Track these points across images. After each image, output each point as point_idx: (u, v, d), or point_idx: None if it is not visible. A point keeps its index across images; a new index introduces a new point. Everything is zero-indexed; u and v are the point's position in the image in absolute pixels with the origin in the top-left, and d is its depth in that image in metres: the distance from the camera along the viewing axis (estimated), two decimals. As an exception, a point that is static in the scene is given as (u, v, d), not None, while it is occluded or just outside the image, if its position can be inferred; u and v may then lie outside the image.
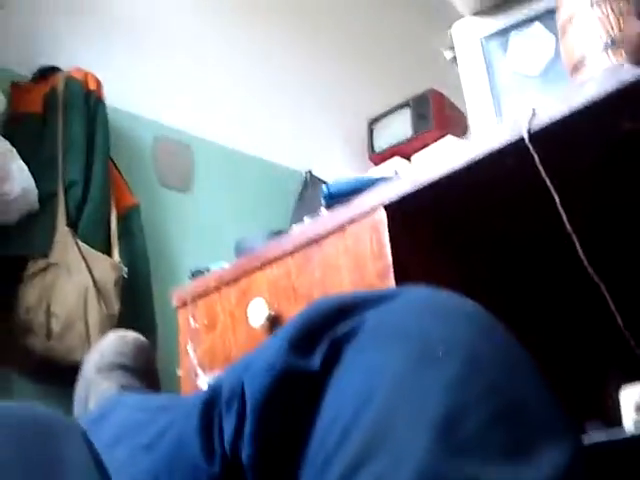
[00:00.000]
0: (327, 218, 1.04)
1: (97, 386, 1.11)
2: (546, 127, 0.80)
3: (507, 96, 1.17)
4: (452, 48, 1.33)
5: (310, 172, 2.43)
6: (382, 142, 2.26)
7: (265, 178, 2.44)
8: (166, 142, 2.28)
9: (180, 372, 1.29)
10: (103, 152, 1.99)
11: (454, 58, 1.30)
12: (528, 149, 0.82)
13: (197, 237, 2.20)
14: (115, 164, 2.06)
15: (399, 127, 2.24)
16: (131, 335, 1.16)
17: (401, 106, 2.28)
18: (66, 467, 0.58)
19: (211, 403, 0.84)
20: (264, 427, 0.68)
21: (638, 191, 0.92)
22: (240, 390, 0.79)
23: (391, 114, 2.29)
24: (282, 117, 2.58)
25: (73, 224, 1.89)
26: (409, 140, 2.17)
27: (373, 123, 2.35)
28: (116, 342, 1.14)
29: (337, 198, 1.02)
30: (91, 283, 1.84)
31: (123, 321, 1.87)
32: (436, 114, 2.14)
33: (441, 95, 2.20)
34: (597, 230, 0.93)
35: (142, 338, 1.15)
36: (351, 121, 2.59)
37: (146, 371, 1.15)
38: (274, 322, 1.08)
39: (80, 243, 1.87)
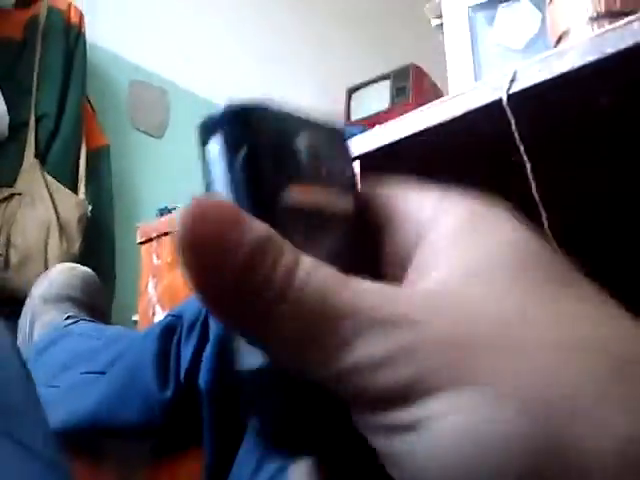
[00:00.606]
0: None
1: (43, 316, 1.10)
2: (525, 91, 0.82)
3: (489, 67, 1.19)
4: (439, 17, 1.34)
5: (285, 133, 2.43)
6: (359, 112, 2.26)
7: (239, 133, 2.43)
8: (143, 85, 2.26)
9: (137, 316, 1.29)
10: (78, 87, 1.97)
11: (440, 25, 1.31)
12: (505, 112, 0.83)
13: (166, 181, 2.19)
14: (89, 101, 2.04)
15: (377, 98, 2.24)
16: (80, 268, 1.16)
17: (381, 78, 2.28)
18: None
19: (170, 330, 0.85)
20: (225, 351, 0.69)
21: (610, 167, 0.95)
22: (204, 316, 0.80)
23: (370, 85, 2.30)
24: (262, 77, 2.57)
25: (41, 156, 1.87)
26: (386, 112, 2.18)
27: (352, 92, 2.35)
28: (65, 274, 1.13)
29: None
30: (54, 218, 1.83)
31: (83, 261, 1.86)
32: (415, 88, 2.15)
33: (422, 70, 2.21)
34: (565, 202, 0.95)
35: (91, 272, 1.15)
36: (332, 88, 2.59)
37: (94, 305, 1.14)
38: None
39: (47, 176, 1.85)
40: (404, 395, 0.18)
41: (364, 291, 0.19)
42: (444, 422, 0.17)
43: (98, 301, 1.16)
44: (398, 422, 0.18)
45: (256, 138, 0.22)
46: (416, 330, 0.18)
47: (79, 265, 1.18)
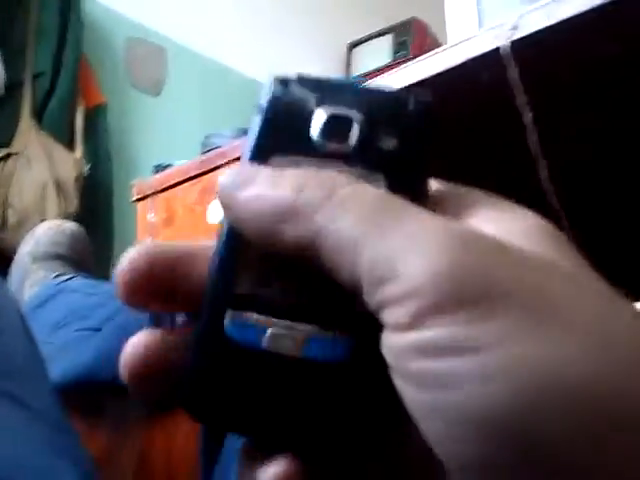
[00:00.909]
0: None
1: (33, 275, 1.10)
2: (528, 38, 0.79)
3: (491, 16, 1.16)
4: (441, -34, 1.31)
5: (285, 90, 2.40)
6: (360, 66, 2.23)
7: (239, 91, 2.40)
8: (140, 43, 2.22)
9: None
10: (75, 45, 1.94)
11: (442, -25, 1.27)
12: (505, 62, 0.81)
13: (163, 139, 2.17)
14: (86, 59, 2.01)
15: (378, 53, 2.21)
16: (67, 224, 1.15)
17: (382, 33, 2.25)
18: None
19: None
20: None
21: (614, 116, 0.92)
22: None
23: (371, 40, 2.26)
24: (262, 33, 2.52)
25: (38, 115, 1.85)
26: (387, 67, 2.14)
27: (353, 47, 2.31)
28: (52, 231, 1.12)
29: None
30: (51, 177, 1.81)
31: (81, 220, 1.85)
32: (416, 42, 2.11)
33: (423, 24, 2.17)
34: (564, 156, 0.93)
35: (79, 228, 1.14)
36: (333, 44, 2.55)
37: (81, 261, 1.13)
38: (233, 221, 1.07)
39: (43, 135, 1.83)
40: (468, 313, 0.17)
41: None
42: (505, 348, 0.17)
43: (85, 257, 1.15)
44: (455, 342, 0.17)
45: None
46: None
47: (66, 221, 1.16)
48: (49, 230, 1.10)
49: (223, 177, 0.21)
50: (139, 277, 0.22)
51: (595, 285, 0.19)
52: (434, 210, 0.20)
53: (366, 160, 0.22)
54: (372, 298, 0.19)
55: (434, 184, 0.24)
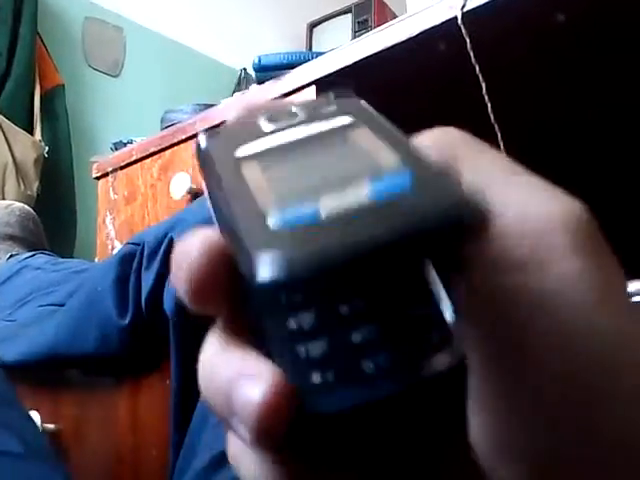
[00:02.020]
0: (256, 92, 1.03)
1: None
2: (480, 8, 0.80)
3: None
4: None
5: (245, 69, 2.39)
6: (321, 46, 2.22)
7: (199, 71, 2.39)
8: (97, 23, 2.19)
9: (97, 259, 1.27)
10: (30, 26, 1.91)
11: (399, -50, 1.28)
12: (460, 31, 0.82)
13: (123, 119, 2.15)
14: (42, 40, 1.98)
15: (339, 32, 2.21)
16: (17, 205, 1.14)
17: (343, 12, 2.24)
18: None
19: (129, 257, 0.84)
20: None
21: (564, 87, 0.94)
22: (167, 241, 0.79)
23: (332, 19, 2.26)
24: (223, 12, 2.51)
25: (-6, 98, 1.82)
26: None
27: (314, 27, 2.31)
28: (1, 212, 1.11)
29: (268, 72, 1.01)
30: (10, 160, 1.79)
31: (42, 201, 1.83)
32: (377, 20, 2.11)
33: (383, 2, 2.17)
34: (521, 123, 0.95)
35: (28, 208, 1.13)
36: (293, 23, 2.54)
37: (34, 242, 1.13)
38: (196, 196, 1.07)
39: (1, 118, 1.80)
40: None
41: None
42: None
43: (37, 237, 1.15)
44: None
45: None
46: None
47: (15, 202, 1.16)
48: None
49: None
50: (207, 277, 0.19)
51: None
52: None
53: None
54: (500, 232, 0.19)
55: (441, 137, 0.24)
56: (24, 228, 1.13)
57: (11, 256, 1.09)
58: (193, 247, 0.19)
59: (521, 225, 0.19)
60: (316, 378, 0.18)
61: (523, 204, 0.19)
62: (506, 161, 0.21)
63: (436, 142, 0.22)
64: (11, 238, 1.11)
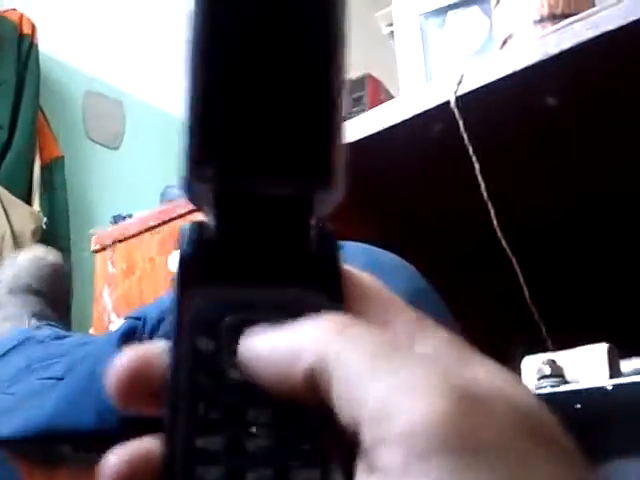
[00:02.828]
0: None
1: (7, 308, 1.07)
2: (472, 93, 0.83)
3: (440, 73, 1.21)
4: (391, 24, 1.37)
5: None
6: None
7: (196, 144, 2.43)
8: (98, 97, 2.24)
9: (91, 331, 1.27)
10: (32, 99, 1.95)
11: (391, 33, 1.33)
12: (454, 114, 0.85)
13: (122, 192, 2.18)
14: (44, 113, 2.02)
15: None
16: (50, 257, 1.10)
17: (338, 88, 2.30)
18: None
19: (131, 332, 0.84)
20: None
21: (557, 167, 0.97)
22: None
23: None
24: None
25: (-6, 169, 1.85)
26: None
27: (309, 102, 2.36)
28: (34, 263, 1.08)
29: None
30: (8, 230, 1.80)
31: (38, 272, 1.84)
32: (371, 98, 2.17)
33: (377, 80, 2.23)
34: (514, 201, 0.97)
35: (60, 262, 1.09)
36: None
37: (59, 299, 1.11)
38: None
39: (0, 189, 1.82)
40: None
41: None
42: None
43: (64, 295, 1.13)
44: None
45: None
46: None
47: (49, 252, 1.11)
48: (30, 261, 1.07)
49: (247, 335, 0.22)
50: (125, 389, 0.23)
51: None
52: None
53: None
54: (368, 433, 0.19)
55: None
56: (52, 284, 1.09)
57: (34, 315, 1.06)
58: (120, 363, 0.23)
59: (386, 426, 0.19)
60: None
61: (382, 402, 0.19)
62: (381, 347, 0.20)
63: (307, 350, 0.21)
64: (36, 293, 1.08)
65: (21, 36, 1.95)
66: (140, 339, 0.81)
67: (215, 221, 0.23)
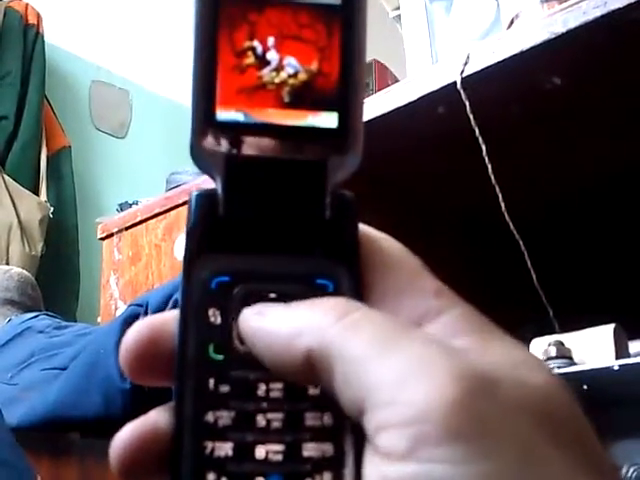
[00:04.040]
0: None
1: None
2: (478, 73, 0.83)
3: (447, 56, 1.20)
4: (397, 8, 1.36)
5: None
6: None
7: (203, 133, 2.43)
8: (104, 86, 2.24)
9: (99, 319, 1.28)
10: (38, 89, 1.95)
11: (398, 17, 1.32)
12: (460, 95, 0.84)
13: (129, 180, 2.18)
14: (50, 103, 2.02)
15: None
16: (16, 270, 1.16)
17: (345, 75, 2.30)
18: None
19: (133, 319, 0.84)
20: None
21: (564, 148, 0.96)
22: (172, 303, 0.80)
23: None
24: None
25: (1, 159, 1.85)
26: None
27: (316, 90, 2.36)
28: (0, 277, 1.13)
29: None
30: (15, 220, 1.81)
31: (46, 261, 1.84)
32: (378, 83, 2.16)
33: (384, 66, 2.22)
34: (521, 183, 0.96)
35: (27, 273, 1.15)
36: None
37: (32, 306, 1.14)
38: (200, 256, 1.08)
39: (7, 178, 1.83)
40: None
41: None
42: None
43: (35, 301, 1.16)
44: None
45: None
46: None
47: (13, 267, 1.19)
48: None
49: (247, 311, 0.22)
50: (137, 360, 0.23)
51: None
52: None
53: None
54: (373, 418, 0.19)
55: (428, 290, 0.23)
56: (22, 293, 1.14)
57: (9, 320, 1.09)
58: (130, 335, 0.23)
59: (392, 411, 0.19)
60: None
61: (396, 386, 0.19)
62: (384, 332, 0.20)
63: (306, 333, 0.21)
64: (10, 302, 1.12)
65: (27, 26, 1.95)
66: None
67: (224, 188, 0.22)
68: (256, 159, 0.22)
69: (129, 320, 0.84)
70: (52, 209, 1.89)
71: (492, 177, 0.89)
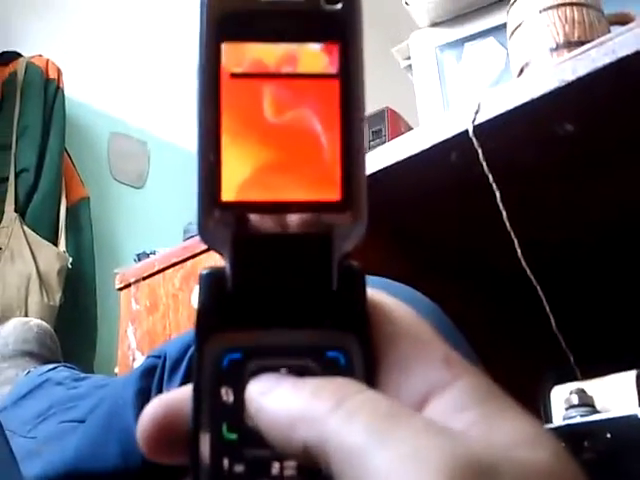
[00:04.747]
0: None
1: (3, 373, 1.10)
2: (490, 121, 0.83)
3: (458, 104, 1.21)
4: (408, 58, 1.38)
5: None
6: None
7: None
8: (123, 137, 2.28)
9: (117, 370, 1.28)
10: (58, 142, 1.99)
11: (409, 66, 1.34)
12: (472, 143, 0.85)
13: (146, 230, 2.20)
14: (69, 155, 2.05)
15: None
16: (34, 321, 1.16)
17: (358, 122, 2.32)
18: None
19: (151, 370, 0.84)
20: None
21: (578, 192, 0.96)
22: (190, 354, 0.79)
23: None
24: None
25: (21, 210, 1.88)
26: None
27: (330, 137, 2.38)
28: (19, 329, 1.13)
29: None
30: (34, 271, 1.82)
31: (64, 311, 1.85)
32: (391, 131, 2.18)
33: (396, 113, 2.25)
34: (536, 229, 0.96)
35: (46, 324, 1.16)
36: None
37: (50, 357, 1.14)
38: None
39: (27, 230, 1.85)
40: None
41: None
42: None
43: (53, 353, 1.16)
44: None
45: None
46: None
47: (32, 318, 1.19)
48: (17, 328, 1.12)
49: (254, 384, 0.22)
50: (153, 439, 0.23)
51: None
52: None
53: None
54: None
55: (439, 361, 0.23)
56: (41, 344, 1.15)
57: (28, 372, 1.10)
58: (146, 414, 0.23)
59: None
60: None
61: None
62: (381, 422, 0.20)
63: (303, 425, 0.21)
64: (28, 354, 1.12)
65: (47, 81, 2.00)
66: (160, 378, 0.81)
67: (232, 265, 0.23)
68: (262, 235, 0.23)
69: (147, 372, 0.84)
70: (71, 259, 1.90)
71: (507, 223, 0.89)
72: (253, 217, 0.22)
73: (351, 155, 0.22)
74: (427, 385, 0.22)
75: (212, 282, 0.23)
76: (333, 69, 0.23)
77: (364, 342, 0.23)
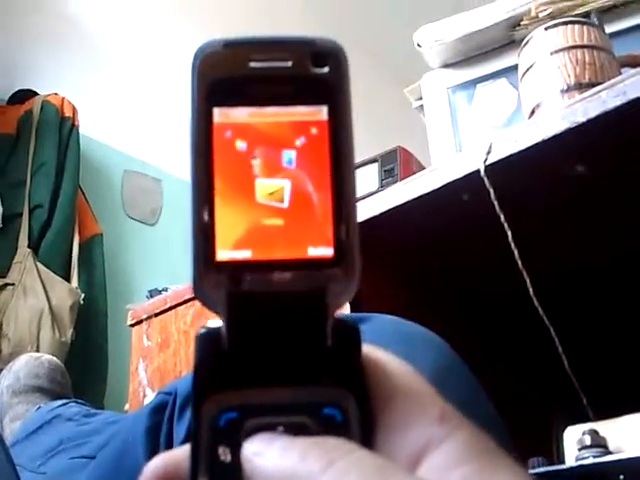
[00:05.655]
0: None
1: (13, 409, 1.11)
2: (501, 162, 0.84)
3: (470, 145, 1.22)
4: (420, 98, 1.39)
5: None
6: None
7: (231, 219, 2.47)
8: (136, 175, 2.31)
9: (127, 406, 1.28)
10: (72, 179, 2.01)
11: (421, 107, 1.35)
12: (484, 183, 0.86)
13: (159, 265, 2.21)
14: (83, 192, 2.07)
15: (367, 181, 2.29)
16: (45, 357, 1.17)
17: (370, 161, 2.33)
18: None
19: (161, 407, 0.84)
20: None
21: (590, 234, 0.96)
22: None
23: (359, 168, 2.35)
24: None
25: (35, 246, 1.90)
26: (375, 193, 2.21)
27: (341, 176, 2.39)
28: (31, 364, 1.14)
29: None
30: (47, 307, 1.83)
31: (75, 347, 1.86)
32: (403, 170, 2.19)
33: (408, 152, 2.26)
34: (548, 268, 0.96)
35: (57, 360, 1.16)
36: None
37: (61, 392, 1.14)
38: (228, 343, 1.08)
39: (40, 266, 1.86)
40: None
41: None
42: None
43: (64, 388, 1.16)
44: None
45: None
46: None
47: (44, 354, 1.19)
48: (28, 363, 1.12)
49: (248, 445, 0.23)
50: None
51: None
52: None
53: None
54: None
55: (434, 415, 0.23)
56: (52, 380, 1.15)
57: (38, 408, 1.10)
58: (146, 472, 0.24)
59: None
60: None
61: None
62: None
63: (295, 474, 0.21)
64: (39, 390, 1.13)
65: (62, 119, 2.03)
66: (170, 415, 0.81)
67: (227, 323, 0.23)
68: (256, 294, 0.23)
69: (157, 409, 0.84)
70: (83, 295, 1.91)
71: (519, 262, 0.89)
72: (247, 275, 0.23)
73: (342, 213, 0.23)
74: (423, 441, 0.22)
75: (208, 342, 0.23)
76: (322, 130, 0.23)
77: (360, 398, 0.23)
